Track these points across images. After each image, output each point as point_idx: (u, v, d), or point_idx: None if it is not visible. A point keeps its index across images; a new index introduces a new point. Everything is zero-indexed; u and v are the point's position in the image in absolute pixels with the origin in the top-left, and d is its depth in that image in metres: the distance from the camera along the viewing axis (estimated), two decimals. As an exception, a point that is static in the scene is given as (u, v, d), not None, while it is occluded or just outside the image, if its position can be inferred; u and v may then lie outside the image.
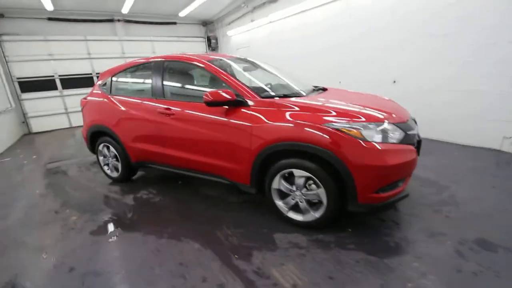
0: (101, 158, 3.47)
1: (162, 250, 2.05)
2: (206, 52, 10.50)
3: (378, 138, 1.85)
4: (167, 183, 3.35)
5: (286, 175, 2.11)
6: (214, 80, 2.54)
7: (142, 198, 2.98)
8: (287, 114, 2.03)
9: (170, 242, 2.14)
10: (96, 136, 3.38)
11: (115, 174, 3.40)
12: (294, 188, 2.11)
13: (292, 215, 2.19)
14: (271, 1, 6.96)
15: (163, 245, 2.11)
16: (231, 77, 2.35)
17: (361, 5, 4.88)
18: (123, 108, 2.97)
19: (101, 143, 3.33)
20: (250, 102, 2.19)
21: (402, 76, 4.49)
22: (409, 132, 2.00)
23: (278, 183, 2.16)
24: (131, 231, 2.34)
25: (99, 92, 3.31)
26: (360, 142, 1.81)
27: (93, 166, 4.25)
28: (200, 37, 10.24)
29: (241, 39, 8.72)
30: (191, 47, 9.91)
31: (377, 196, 1.87)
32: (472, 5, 3.46)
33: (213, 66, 2.46)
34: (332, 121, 1.88)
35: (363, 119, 1.89)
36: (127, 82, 3.21)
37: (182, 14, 8.47)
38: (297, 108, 2.05)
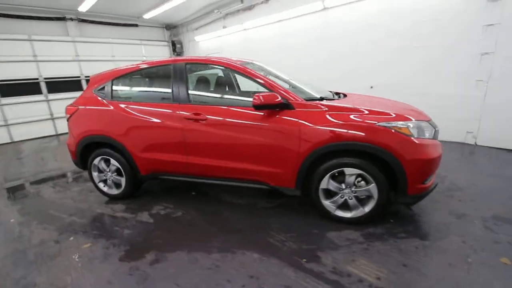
0: (95, 174, 3.00)
1: (221, 265, 1.88)
2: (171, 56, 10.02)
3: (420, 134, 2.06)
4: (179, 195, 3.08)
5: (336, 174, 2.18)
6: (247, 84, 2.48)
7: (160, 214, 2.68)
8: (337, 115, 2.11)
9: (224, 256, 1.98)
10: (89, 149, 2.92)
11: (114, 191, 2.98)
12: (343, 186, 2.19)
13: (340, 213, 2.26)
14: (246, 9, 7.07)
15: (219, 260, 1.94)
16: (273, 81, 2.33)
17: (339, 19, 5.34)
18: (134, 116, 2.64)
19: (97, 156, 2.89)
20: (294, 105, 2.21)
21: (379, 83, 5.04)
22: (436, 129, 2.28)
23: (326, 183, 2.20)
24: (171, 250, 2.08)
25: (95, 98, 2.88)
26: (411, 139, 2.00)
27: (71, 184, 3.64)
28: (164, 41, 9.74)
29: (211, 44, 8.59)
30: (153, 51, 9.33)
31: (422, 187, 2.08)
32: (441, 24, 4.13)
33: (250, 69, 2.40)
34: (383, 120, 2.03)
35: (409, 117, 2.09)
36: (135, 86, 2.87)
37: (147, 16, 7.94)
38: (343, 110, 2.14)
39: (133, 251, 2.12)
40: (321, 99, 2.38)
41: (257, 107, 2.14)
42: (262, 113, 2.23)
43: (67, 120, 3.03)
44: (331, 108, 2.16)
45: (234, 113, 2.35)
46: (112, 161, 2.84)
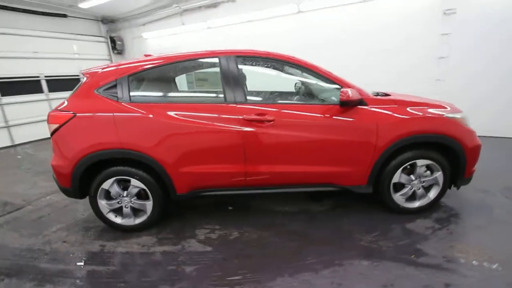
0: (102, 202, 2.24)
1: (342, 282, 1.66)
2: (110, 55, 8.55)
3: (469, 124, 2.33)
4: (214, 212, 2.62)
5: (408, 167, 2.24)
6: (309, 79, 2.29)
7: (212, 238, 2.20)
8: (409, 109, 2.17)
9: (335, 271, 1.76)
10: (94, 170, 2.17)
11: (133, 221, 2.30)
12: (412, 177, 2.27)
13: (408, 204, 2.34)
14: (210, 6, 6.64)
15: (334, 276, 1.71)
16: (341, 77, 2.22)
17: (314, 22, 5.59)
18: (172, 121, 2.09)
19: (108, 178, 2.17)
20: (367, 101, 2.16)
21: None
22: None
23: (399, 176, 2.24)
24: (270, 279, 1.72)
25: (102, 100, 2.14)
26: (470, 128, 2.23)
27: (36, 222, 2.65)
28: (100, 36, 8.23)
29: (165, 42, 7.73)
30: (87, 48, 7.79)
31: (473, 170, 2.35)
32: (412, 30, 4.80)
33: (315, 65, 2.22)
34: (448, 112, 2.19)
35: (460, 109, 2.32)
36: (166, 85, 2.27)
37: (84, 5, 6.51)
38: (411, 104, 2.22)
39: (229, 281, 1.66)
40: (377, 94, 2.42)
41: (343, 103, 2.01)
42: (339, 111, 2.11)
43: (52, 133, 2.17)
44: (399, 102, 2.21)
45: (307, 112, 2.13)
46: (134, 181, 2.18)
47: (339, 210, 2.54)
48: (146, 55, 2.66)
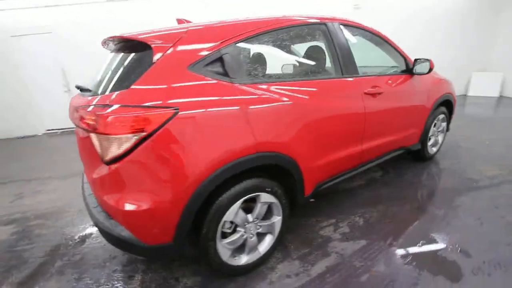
0: (224, 243, 1.43)
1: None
2: None
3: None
4: (302, 210, 2.25)
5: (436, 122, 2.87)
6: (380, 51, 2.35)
7: (346, 231, 1.94)
8: (435, 75, 2.74)
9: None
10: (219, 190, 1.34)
11: (259, 253, 1.62)
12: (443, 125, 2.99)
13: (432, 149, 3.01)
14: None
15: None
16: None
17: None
18: (306, 104, 1.58)
19: (234, 202, 1.39)
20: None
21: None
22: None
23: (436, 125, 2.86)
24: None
25: (208, 82, 1.29)
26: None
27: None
28: None
29: (22, 19, 5.09)
30: None
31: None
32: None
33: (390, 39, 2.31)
34: (440, 75, 2.95)
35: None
36: (274, 56, 1.59)
37: None
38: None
39: None
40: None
41: (426, 71, 2.25)
42: (410, 79, 2.35)
43: (127, 152, 1.12)
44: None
45: (394, 82, 2.23)
46: (264, 196, 1.53)
47: (398, 178, 2.83)
48: (180, 20, 1.82)
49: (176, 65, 1.26)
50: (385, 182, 2.65)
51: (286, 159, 1.54)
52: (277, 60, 2.00)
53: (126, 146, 1.11)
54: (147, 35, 1.30)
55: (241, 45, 1.46)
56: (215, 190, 1.31)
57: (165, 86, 1.21)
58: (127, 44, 1.44)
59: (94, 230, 2.17)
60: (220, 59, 1.37)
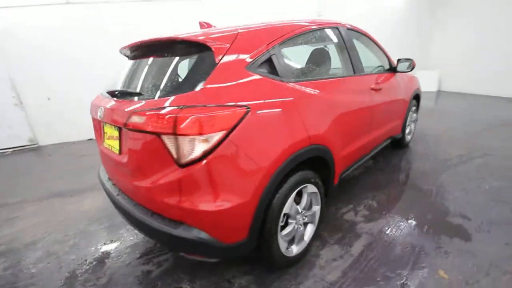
0: (282, 234, 1.48)
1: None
2: None
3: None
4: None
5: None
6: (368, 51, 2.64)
7: (367, 214, 2.13)
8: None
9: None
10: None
11: (305, 243, 1.69)
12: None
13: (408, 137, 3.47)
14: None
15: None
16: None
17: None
18: (333, 100, 1.74)
19: (290, 194, 1.46)
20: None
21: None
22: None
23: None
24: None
25: (265, 80, 1.34)
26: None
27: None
28: None
29: None
30: None
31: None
32: None
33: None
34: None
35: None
36: (302, 57, 1.68)
37: None
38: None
39: None
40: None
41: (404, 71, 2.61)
42: (393, 76, 2.70)
43: (210, 151, 1.11)
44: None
45: (386, 79, 2.54)
46: (310, 187, 1.62)
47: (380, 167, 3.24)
48: (203, 23, 1.84)
49: (237, 66, 1.29)
50: (379, 168, 2.97)
51: (326, 151, 1.66)
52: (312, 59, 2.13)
53: (207, 146, 1.10)
54: (202, 37, 1.29)
55: (284, 46, 1.55)
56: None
57: (232, 85, 1.23)
58: (176, 46, 1.40)
59: (111, 248, 1.97)
60: (269, 60, 1.43)
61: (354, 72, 2.09)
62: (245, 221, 1.25)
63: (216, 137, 1.11)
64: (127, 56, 1.77)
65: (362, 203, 2.32)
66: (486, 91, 6.84)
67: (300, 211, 1.61)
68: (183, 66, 1.42)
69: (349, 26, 2.19)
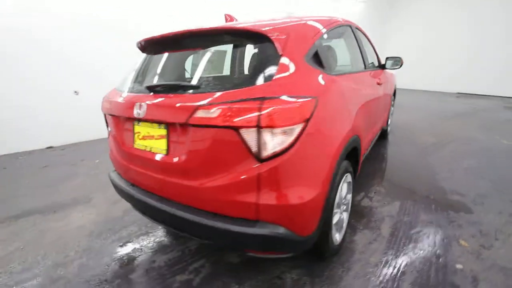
0: (333, 223, 1.51)
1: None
2: None
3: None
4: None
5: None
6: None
7: (374, 198, 2.30)
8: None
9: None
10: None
11: (343, 230, 1.77)
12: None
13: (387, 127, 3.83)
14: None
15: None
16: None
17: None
18: (362, 93, 1.84)
19: (341, 178, 1.50)
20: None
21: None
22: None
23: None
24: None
25: (318, 72, 1.35)
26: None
27: None
28: None
29: None
30: None
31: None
32: None
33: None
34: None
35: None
36: (338, 49, 1.71)
37: None
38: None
39: None
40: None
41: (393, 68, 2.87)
42: (383, 72, 2.95)
43: (290, 146, 1.07)
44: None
45: (380, 75, 2.76)
46: (348, 176, 1.69)
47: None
48: (228, 16, 1.79)
49: (298, 57, 1.26)
50: (373, 158, 3.22)
51: (359, 141, 1.75)
52: (340, 54, 2.18)
53: (289, 138, 1.06)
54: (264, 28, 1.24)
55: (324, 40, 1.57)
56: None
57: (298, 76, 1.21)
58: (230, 37, 1.32)
59: (131, 262, 1.75)
60: (317, 52, 1.44)
61: (365, 67, 2.23)
62: (318, 212, 1.24)
63: (297, 129, 1.08)
64: (146, 49, 1.59)
65: (371, 190, 2.49)
66: (435, 88, 7.95)
67: (342, 200, 1.66)
68: (257, 57, 1.33)
69: (354, 25, 2.33)
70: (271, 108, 1.02)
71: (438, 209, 2.13)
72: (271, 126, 1.02)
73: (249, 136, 1.04)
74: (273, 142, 1.04)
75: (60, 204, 2.57)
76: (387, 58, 2.92)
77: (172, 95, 1.25)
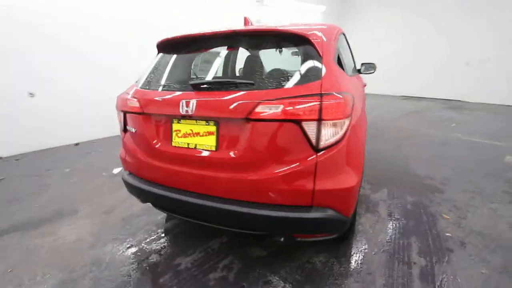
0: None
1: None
2: None
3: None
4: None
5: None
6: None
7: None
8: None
9: (407, 158, 3.28)
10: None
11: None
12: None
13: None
14: None
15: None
16: None
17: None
18: (362, 93, 2.09)
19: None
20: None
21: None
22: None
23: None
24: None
25: (343, 72, 1.54)
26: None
27: None
28: None
29: None
30: None
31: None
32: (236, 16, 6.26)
33: None
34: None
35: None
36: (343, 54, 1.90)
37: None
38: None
39: None
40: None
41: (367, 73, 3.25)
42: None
43: (347, 128, 1.22)
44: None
45: (359, 79, 3.10)
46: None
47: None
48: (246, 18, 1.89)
49: (331, 58, 1.41)
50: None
51: (365, 133, 1.99)
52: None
53: (342, 130, 1.20)
54: (306, 31, 1.35)
55: (338, 45, 1.77)
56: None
57: (335, 75, 1.35)
58: (274, 38, 1.40)
59: (154, 268, 1.66)
60: (338, 55, 1.62)
61: (359, 72, 2.53)
62: (357, 194, 1.40)
63: (347, 121, 1.22)
64: (174, 49, 1.57)
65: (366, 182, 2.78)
66: (384, 91, 9.06)
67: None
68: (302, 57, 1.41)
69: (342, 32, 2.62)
70: (329, 102, 1.15)
71: (418, 192, 2.50)
72: (330, 119, 1.14)
73: (310, 128, 1.14)
74: (331, 133, 1.17)
75: (40, 219, 2.26)
76: (362, 64, 3.30)
77: (223, 92, 1.28)
